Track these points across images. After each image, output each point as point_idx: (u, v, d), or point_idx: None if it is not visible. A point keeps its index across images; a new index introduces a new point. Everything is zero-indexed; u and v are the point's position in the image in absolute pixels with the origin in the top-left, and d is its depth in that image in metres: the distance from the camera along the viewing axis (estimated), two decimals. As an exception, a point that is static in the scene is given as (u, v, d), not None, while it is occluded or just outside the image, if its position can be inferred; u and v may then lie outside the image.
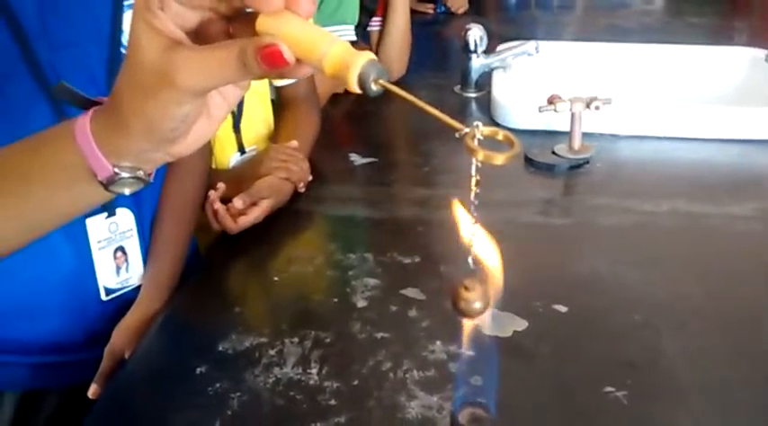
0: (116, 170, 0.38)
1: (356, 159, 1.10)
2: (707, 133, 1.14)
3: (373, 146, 1.17)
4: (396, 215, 0.96)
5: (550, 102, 1.07)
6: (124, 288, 0.77)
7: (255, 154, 1.00)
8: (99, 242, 0.73)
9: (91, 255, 0.73)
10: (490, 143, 0.35)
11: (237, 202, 0.85)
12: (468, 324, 0.66)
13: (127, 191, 0.40)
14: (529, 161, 1.06)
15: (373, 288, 0.77)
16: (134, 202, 0.76)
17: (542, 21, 2.20)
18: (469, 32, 1.31)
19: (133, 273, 0.77)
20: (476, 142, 0.35)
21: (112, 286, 0.76)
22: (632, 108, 1.15)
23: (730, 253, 0.86)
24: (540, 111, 1.08)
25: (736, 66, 1.42)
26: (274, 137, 1.04)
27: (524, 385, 0.63)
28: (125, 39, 0.72)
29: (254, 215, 0.85)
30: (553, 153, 1.06)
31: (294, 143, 0.97)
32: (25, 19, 0.66)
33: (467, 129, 0.34)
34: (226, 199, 0.86)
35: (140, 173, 0.39)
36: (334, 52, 0.33)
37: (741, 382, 0.63)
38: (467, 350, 0.67)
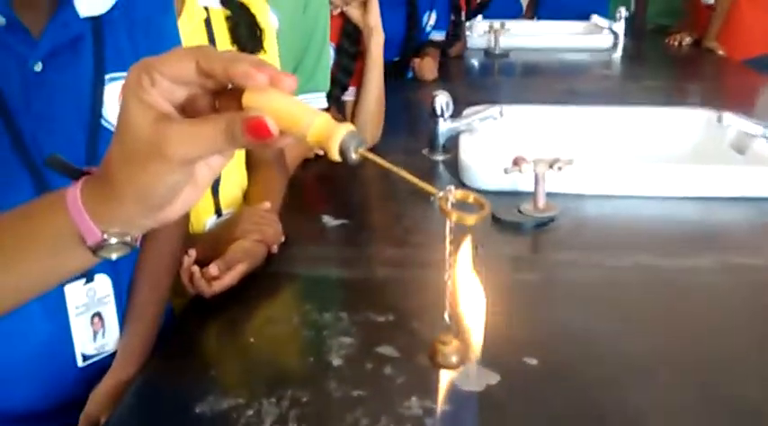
0: (105, 236, 0.40)
1: (328, 221, 1.13)
2: (666, 191, 1.19)
3: (345, 209, 1.20)
4: (369, 275, 0.98)
5: (515, 163, 1.11)
6: (101, 353, 0.77)
7: (230, 216, 1.02)
8: (77, 307, 0.74)
9: (68, 321, 0.74)
10: (461, 206, 0.38)
11: (213, 269, 0.86)
12: (443, 380, 0.68)
13: (114, 256, 0.42)
14: (496, 220, 1.10)
15: (348, 346, 0.78)
16: (112, 268, 0.77)
17: (506, 86, 2.28)
18: (436, 99, 1.36)
19: (110, 339, 0.78)
20: (449, 205, 0.38)
21: (89, 352, 0.76)
22: (594, 168, 1.20)
23: (691, 304, 0.89)
24: (505, 173, 1.12)
25: (691, 126, 1.49)
26: (246, 198, 1.06)
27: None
28: (105, 112, 0.74)
29: (229, 279, 0.87)
30: (519, 212, 1.10)
31: (267, 205, 0.99)
32: (9, 91, 0.68)
33: (441, 193, 0.37)
34: (202, 262, 0.87)
35: (128, 239, 0.41)
36: (317, 124, 0.36)
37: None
38: (442, 406, 0.68)
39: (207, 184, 0.42)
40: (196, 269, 0.86)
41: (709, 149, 1.39)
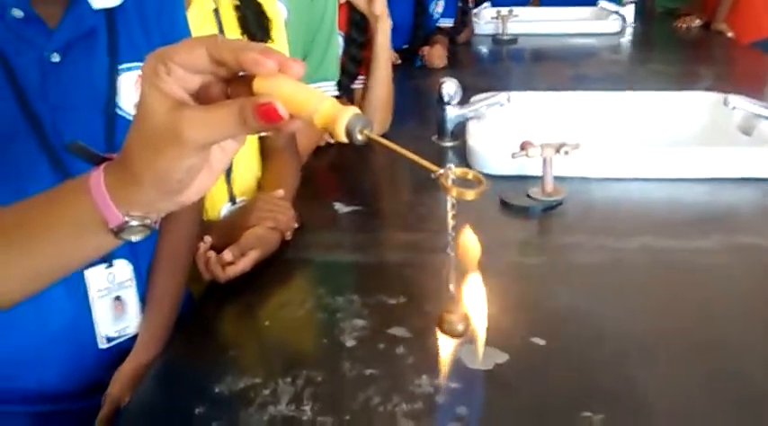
0: (126, 218, 0.42)
1: (340, 208, 1.15)
2: (672, 173, 1.20)
3: (357, 195, 1.22)
4: (381, 259, 1.00)
5: (523, 148, 1.13)
6: (122, 336, 0.80)
7: (244, 204, 1.05)
8: (98, 291, 0.76)
9: (90, 305, 0.76)
10: (461, 183, 0.40)
11: (227, 255, 0.89)
12: (453, 359, 0.70)
13: (134, 238, 0.44)
14: (504, 204, 1.12)
15: (361, 328, 0.80)
16: (131, 253, 0.79)
17: (515, 72, 2.29)
18: (443, 86, 1.38)
19: (131, 322, 0.80)
20: (449, 182, 0.40)
21: (111, 334, 0.79)
22: (601, 152, 1.21)
23: (697, 286, 0.90)
24: (513, 157, 1.14)
25: (698, 109, 1.50)
26: (260, 186, 1.08)
27: (506, 413, 0.66)
28: (120, 100, 0.77)
29: (243, 265, 0.89)
30: (527, 196, 1.12)
31: (280, 192, 1.01)
32: (27, 82, 0.70)
33: (441, 170, 0.39)
34: (217, 249, 0.90)
35: (148, 221, 0.43)
36: (324, 108, 0.38)
37: (710, 407, 0.67)
38: (452, 383, 0.71)
39: (222, 168, 0.44)
40: (212, 254, 0.88)
41: (717, 131, 1.40)
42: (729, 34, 2.58)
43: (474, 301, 0.44)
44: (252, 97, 0.38)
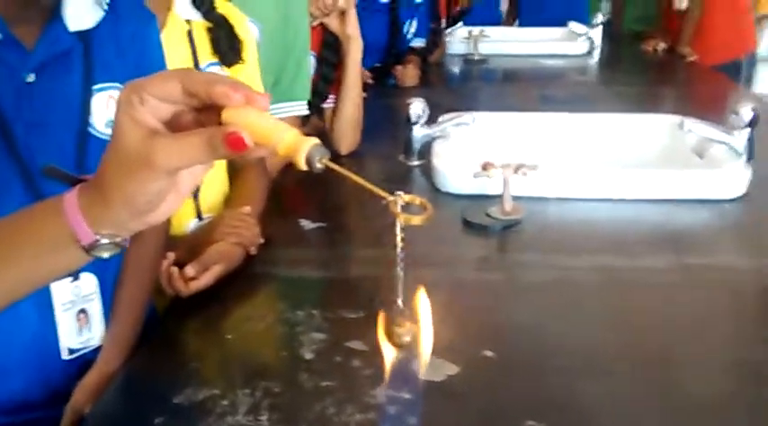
0: (97, 237, 0.45)
1: (306, 224, 1.18)
2: (628, 194, 1.25)
3: (322, 212, 1.25)
4: (344, 274, 1.03)
5: (484, 168, 1.17)
6: (86, 347, 0.82)
7: (210, 220, 1.07)
8: (63, 304, 0.79)
9: (54, 317, 0.78)
10: (410, 209, 0.44)
11: (189, 270, 0.91)
12: (406, 371, 0.73)
13: (105, 255, 0.47)
14: (466, 222, 1.15)
15: (320, 341, 0.83)
16: (97, 267, 0.82)
17: (484, 91, 2.35)
18: (411, 106, 1.42)
19: (95, 334, 0.83)
20: (398, 208, 0.44)
21: (75, 346, 0.81)
22: (558, 172, 1.26)
23: (645, 303, 0.94)
24: (474, 177, 1.18)
25: (657, 131, 1.55)
26: (227, 202, 1.11)
27: (455, 422, 0.69)
28: (93, 120, 0.79)
29: (205, 280, 0.91)
30: (487, 215, 1.15)
31: (247, 208, 1.04)
32: (3, 101, 0.73)
33: (391, 197, 0.43)
34: (181, 264, 0.92)
35: (118, 239, 0.46)
36: (286, 138, 0.42)
37: (650, 418, 0.71)
38: (405, 394, 0.74)
39: (189, 191, 0.47)
40: (174, 270, 0.90)
41: (674, 154, 1.45)
42: (693, 57, 2.66)
43: (422, 315, 0.48)
44: (221, 127, 0.41)
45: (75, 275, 0.80)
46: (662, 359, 0.81)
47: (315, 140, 0.43)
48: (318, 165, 0.42)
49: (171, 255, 0.93)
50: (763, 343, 0.86)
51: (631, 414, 0.72)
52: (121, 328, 0.84)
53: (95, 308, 0.82)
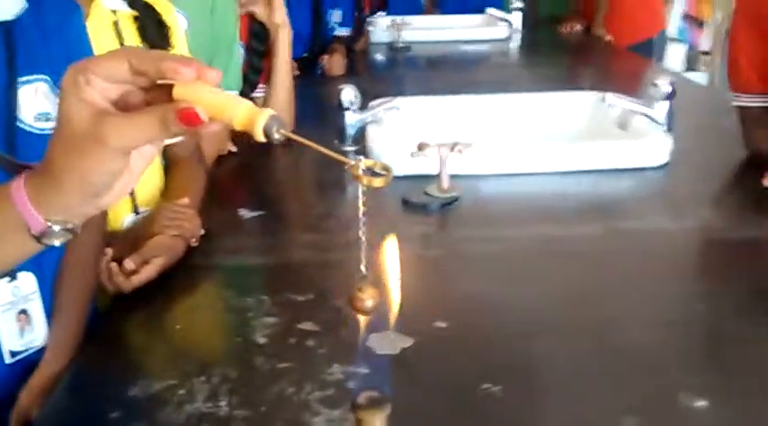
0: (48, 224, 0.44)
1: (245, 213, 1.17)
2: (558, 167, 1.29)
3: (260, 201, 1.24)
4: (287, 260, 1.03)
5: (420, 148, 1.19)
6: (28, 349, 0.79)
7: (148, 214, 1.05)
8: (2, 305, 0.76)
9: (-6, 319, 0.76)
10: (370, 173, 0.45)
11: (129, 263, 0.89)
12: (361, 347, 0.74)
13: (57, 242, 0.46)
14: (405, 202, 1.17)
15: (272, 325, 0.83)
16: (36, 265, 0.79)
17: (410, 78, 2.36)
18: (342, 93, 1.42)
19: (37, 335, 0.80)
20: (360, 171, 0.44)
21: (17, 348, 0.78)
22: (491, 150, 1.29)
23: (584, 268, 0.98)
24: (411, 157, 1.19)
25: (579, 107, 1.60)
26: (165, 194, 1.09)
27: (413, 391, 0.71)
28: (20, 112, 0.77)
29: (147, 273, 0.89)
30: (426, 193, 1.17)
31: (185, 200, 1.02)
32: None
33: (353, 162, 0.44)
34: (120, 260, 0.90)
35: (70, 226, 0.45)
36: (241, 111, 0.42)
37: (597, 376, 0.74)
38: (361, 369, 0.75)
39: (140, 173, 0.46)
40: (114, 265, 0.88)
41: (597, 128, 1.50)
42: (608, 38, 2.76)
43: (390, 269, 0.48)
44: (173, 103, 0.41)
45: (12, 275, 0.77)
46: (602, 318, 0.85)
47: (270, 111, 0.43)
48: (276, 136, 0.43)
49: (109, 251, 0.91)
50: (688, 297, 0.92)
51: (579, 370, 0.75)
52: (65, 327, 0.82)
53: (36, 308, 0.80)
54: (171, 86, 0.44)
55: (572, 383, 0.73)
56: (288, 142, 0.45)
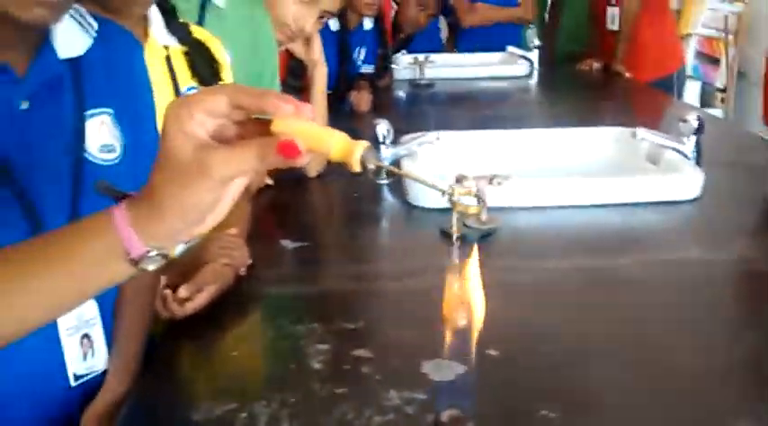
0: (147, 249, 0.47)
1: (287, 244, 1.19)
2: (591, 200, 1.31)
3: (300, 232, 1.26)
4: (333, 289, 1.05)
5: (458, 180, 1.21)
6: (91, 373, 0.81)
7: (198, 242, 1.07)
8: (67, 329, 0.78)
9: (60, 343, 0.78)
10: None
11: (182, 291, 0.91)
12: (418, 373, 0.76)
13: (151, 268, 0.48)
14: (443, 233, 1.19)
15: (326, 352, 0.85)
16: (98, 292, 0.81)
17: (434, 113, 2.40)
18: (378, 126, 1.45)
19: (99, 359, 0.82)
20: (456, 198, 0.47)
21: (80, 372, 0.80)
22: (528, 183, 1.31)
23: (622, 296, 1.00)
24: (443, 196, 1.21)
25: (606, 142, 1.63)
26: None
27: (473, 416, 0.72)
28: (87, 145, 0.80)
29: (200, 300, 0.92)
30: (465, 225, 1.19)
31: (233, 230, 1.05)
32: (0, 129, 0.73)
33: (447, 188, 0.47)
34: (173, 287, 0.92)
35: (165, 251, 0.48)
36: (338, 142, 0.44)
37: (648, 399, 0.75)
38: (419, 395, 0.76)
39: (231, 203, 0.49)
40: (168, 292, 0.91)
41: (627, 162, 1.53)
42: (627, 75, 2.80)
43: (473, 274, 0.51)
44: (273, 136, 0.44)
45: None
46: (648, 346, 0.87)
47: (366, 143, 0.46)
48: (371, 166, 0.45)
49: (163, 278, 0.93)
50: (731, 325, 0.94)
51: (629, 395, 0.76)
52: (125, 352, 0.84)
53: (98, 333, 0.82)
54: (262, 121, 0.47)
55: (625, 410, 0.74)
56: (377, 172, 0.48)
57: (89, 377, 0.81)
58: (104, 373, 0.82)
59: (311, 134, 0.45)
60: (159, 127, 0.49)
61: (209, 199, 0.45)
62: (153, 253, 0.48)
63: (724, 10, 4.24)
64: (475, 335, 0.52)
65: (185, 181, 0.45)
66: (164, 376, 0.83)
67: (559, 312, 0.95)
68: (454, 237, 0.49)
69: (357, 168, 0.45)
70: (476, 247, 0.52)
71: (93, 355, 0.81)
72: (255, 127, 0.47)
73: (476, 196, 0.45)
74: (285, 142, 0.44)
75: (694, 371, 0.81)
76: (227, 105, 0.45)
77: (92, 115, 0.82)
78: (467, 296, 0.51)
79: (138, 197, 0.47)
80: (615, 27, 2.86)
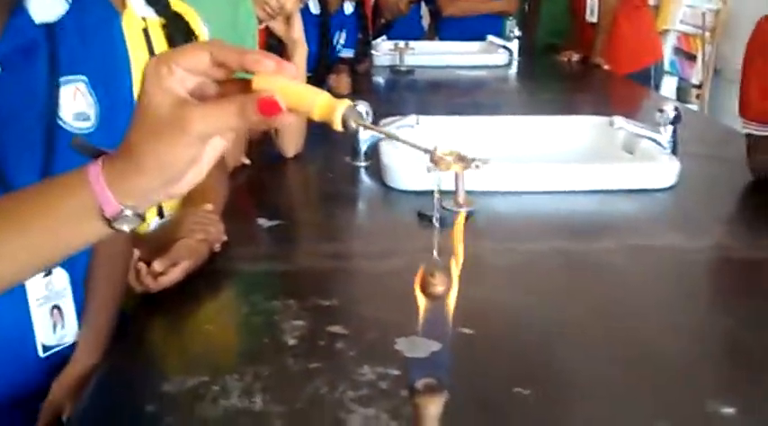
0: (122, 207, 0.46)
1: (264, 222, 1.18)
2: (569, 186, 1.32)
3: (277, 211, 1.25)
4: (308, 267, 1.04)
5: (436, 163, 1.20)
6: (60, 344, 0.80)
7: (173, 217, 1.06)
8: (37, 299, 0.76)
9: (29, 313, 0.76)
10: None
11: (157, 265, 0.90)
12: (391, 350, 0.75)
13: (126, 228, 0.47)
14: (421, 216, 1.19)
15: (300, 328, 0.84)
16: (69, 263, 0.79)
17: (413, 99, 2.40)
18: (357, 107, 1.44)
19: (69, 331, 0.80)
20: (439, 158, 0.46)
21: (50, 343, 0.78)
22: (506, 168, 1.31)
23: (598, 280, 1.01)
24: (428, 171, 1.21)
25: (585, 131, 1.64)
26: (189, 199, 1.10)
27: (448, 392, 0.72)
28: (61, 112, 0.78)
29: (174, 275, 0.91)
30: (442, 207, 1.19)
31: (209, 206, 1.04)
32: None
33: (430, 149, 0.46)
34: (147, 262, 0.91)
35: (140, 211, 0.47)
36: (320, 101, 0.44)
37: (623, 380, 0.76)
38: (393, 370, 0.76)
39: (210, 163, 0.48)
40: (142, 265, 0.89)
41: (604, 150, 1.54)
42: (606, 67, 2.82)
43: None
44: (254, 93, 0.43)
45: (47, 270, 0.78)
46: (626, 328, 0.87)
47: (348, 102, 0.45)
48: (353, 125, 0.45)
49: (137, 252, 0.92)
50: (709, 309, 0.95)
51: (605, 377, 0.77)
52: (96, 324, 0.83)
53: (68, 304, 0.80)
54: (244, 81, 0.46)
55: (600, 389, 0.75)
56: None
57: (59, 348, 0.80)
58: (74, 345, 0.81)
59: (293, 91, 0.44)
60: (135, 95, 0.48)
61: (186, 156, 0.44)
62: (128, 212, 0.46)
63: (702, 7, 4.28)
64: (450, 312, 0.51)
65: (163, 137, 0.44)
66: (135, 348, 0.82)
67: (534, 294, 0.96)
68: (435, 200, 0.48)
69: (339, 126, 0.44)
70: (462, 216, 0.51)
71: (63, 327, 0.80)
72: (236, 86, 0.46)
73: (458, 156, 0.44)
74: (266, 98, 0.43)
75: (670, 354, 0.81)
76: (209, 62, 0.44)
77: (66, 82, 0.80)
78: (447, 268, 0.50)
79: (113, 154, 0.46)
80: (594, 19, 2.87)
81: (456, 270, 0.49)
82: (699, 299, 0.98)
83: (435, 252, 0.50)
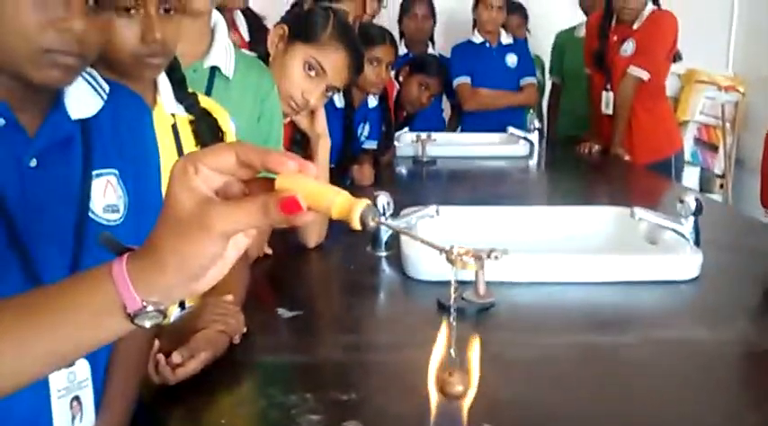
0: (144, 304, 0.47)
1: (283, 313, 1.19)
2: (590, 277, 1.31)
3: (297, 302, 1.26)
4: (327, 359, 1.04)
5: (452, 262, 1.21)
6: (77, 437, 0.79)
7: (194, 308, 1.07)
8: (58, 390, 0.77)
9: (50, 404, 0.76)
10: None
11: (176, 357, 0.91)
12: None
13: (148, 324, 0.48)
14: (441, 306, 1.18)
15: (317, 422, 0.83)
16: (91, 354, 0.80)
17: (435, 190, 2.43)
18: (378, 199, 1.47)
19: (87, 422, 0.80)
20: (455, 257, 0.47)
21: (67, 435, 0.78)
22: (526, 258, 1.32)
23: (621, 374, 0.99)
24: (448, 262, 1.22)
25: (605, 222, 1.64)
26: (209, 291, 1.11)
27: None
28: (92, 204, 0.81)
29: (192, 366, 0.91)
30: (462, 298, 1.19)
31: (229, 297, 1.05)
32: (5, 184, 0.74)
33: (447, 249, 0.47)
34: (166, 353, 0.92)
35: (162, 307, 0.48)
36: (340, 200, 0.45)
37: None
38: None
39: (232, 261, 0.49)
40: (161, 357, 0.90)
41: (625, 241, 1.53)
42: (626, 157, 2.84)
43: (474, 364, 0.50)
44: (275, 193, 0.45)
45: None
46: (647, 423, 0.85)
47: (367, 201, 0.47)
48: (372, 224, 0.46)
49: (157, 343, 0.92)
50: (723, 402, 0.93)
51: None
52: (112, 416, 0.82)
53: (87, 395, 0.80)
54: (268, 179, 0.48)
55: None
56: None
57: (75, 440, 0.79)
58: (91, 437, 0.81)
59: (314, 190, 0.46)
60: (163, 191, 0.50)
61: (209, 254, 0.46)
62: (150, 309, 0.47)
63: (721, 99, 4.33)
64: (466, 407, 0.51)
65: (186, 235, 0.45)
66: (151, 441, 0.81)
67: (556, 389, 0.94)
68: (452, 299, 0.49)
69: (357, 225, 0.45)
70: (476, 342, 0.51)
71: (81, 419, 0.80)
72: (261, 186, 0.48)
73: (474, 256, 0.45)
74: (287, 198, 0.44)
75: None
76: (235, 162, 0.46)
77: (98, 175, 0.83)
78: (464, 367, 0.50)
79: (138, 250, 0.48)
80: (609, 111, 2.92)
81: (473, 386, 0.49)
82: (724, 394, 0.96)
83: (452, 352, 0.50)
